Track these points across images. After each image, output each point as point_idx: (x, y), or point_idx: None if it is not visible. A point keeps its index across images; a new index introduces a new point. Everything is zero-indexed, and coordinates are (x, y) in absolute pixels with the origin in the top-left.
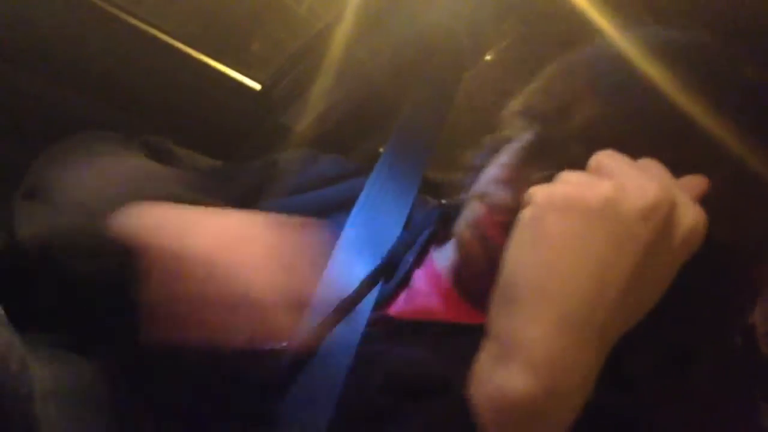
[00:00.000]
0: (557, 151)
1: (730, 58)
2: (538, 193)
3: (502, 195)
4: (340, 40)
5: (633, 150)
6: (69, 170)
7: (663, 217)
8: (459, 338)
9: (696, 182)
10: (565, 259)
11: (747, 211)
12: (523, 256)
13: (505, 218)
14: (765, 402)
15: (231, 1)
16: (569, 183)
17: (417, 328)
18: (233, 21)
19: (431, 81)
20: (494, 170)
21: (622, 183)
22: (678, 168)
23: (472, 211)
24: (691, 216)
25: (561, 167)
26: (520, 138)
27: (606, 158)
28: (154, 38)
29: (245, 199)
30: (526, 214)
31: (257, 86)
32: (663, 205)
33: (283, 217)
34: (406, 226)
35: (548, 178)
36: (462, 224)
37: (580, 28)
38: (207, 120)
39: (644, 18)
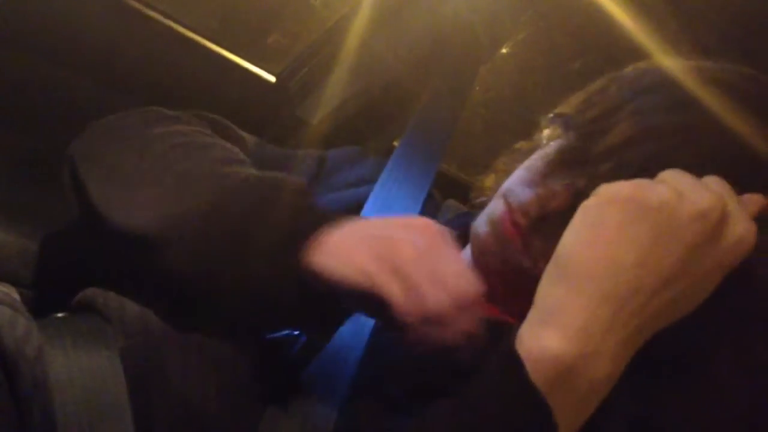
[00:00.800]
0: (587, 163)
1: None
2: (606, 188)
3: (524, 196)
4: (355, 32)
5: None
6: (151, 151)
7: (713, 223)
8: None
9: (755, 199)
10: (616, 245)
11: None
12: (579, 238)
13: (523, 220)
14: None
15: None
16: (634, 183)
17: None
18: (250, 14)
19: (447, 74)
20: (522, 172)
21: (681, 190)
22: None
23: (493, 209)
24: (741, 228)
25: (587, 180)
26: (553, 144)
27: (672, 173)
28: (171, 30)
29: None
30: (589, 203)
31: (272, 78)
32: (714, 212)
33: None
34: None
35: (572, 188)
36: (482, 220)
37: (597, 22)
38: (222, 112)
39: (662, 11)
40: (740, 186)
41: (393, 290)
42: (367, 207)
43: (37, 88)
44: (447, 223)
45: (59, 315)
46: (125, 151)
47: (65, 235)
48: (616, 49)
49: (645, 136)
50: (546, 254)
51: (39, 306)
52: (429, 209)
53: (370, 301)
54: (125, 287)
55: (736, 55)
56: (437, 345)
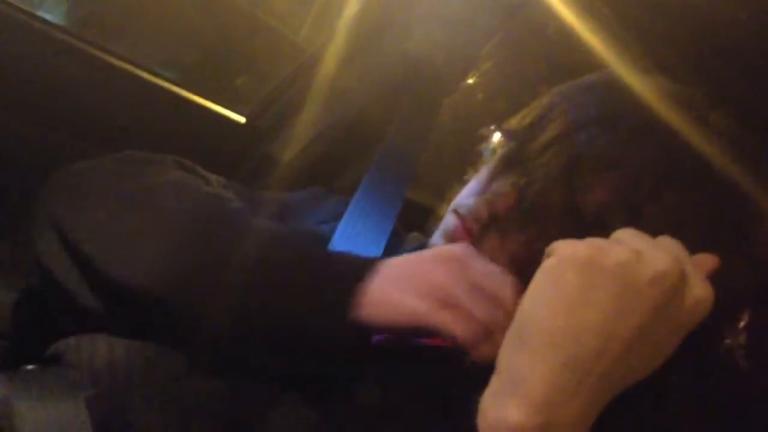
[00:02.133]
0: (526, 162)
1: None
2: (562, 247)
3: (473, 203)
4: (323, 70)
5: (594, 162)
6: (144, 202)
7: (671, 285)
8: (432, 360)
9: (707, 259)
10: (577, 310)
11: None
12: (539, 303)
13: (475, 226)
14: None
15: (227, 28)
16: (592, 244)
17: (392, 352)
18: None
19: (411, 108)
20: (469, 186)
21: (638, 251)
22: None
23: (446, 223)
24: (699, 289)
25: (527, 177)
26: (496, 154)
27: (627, 233)
28: (137, 77)
29: None
30: (548, 264)
31: (242, 119)
32: (673, 274)
33: None
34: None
35: (516, 186)
36: (436, 236)
37: (562, 48)
38: (194, 155)
39: (625, 36)
40: (667, 170)
41: (448, 322)
42: (335, 238)
43: (5, 140)
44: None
45: (29, 367)
46: (113, 204)
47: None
48: (583, 72)
49: (573, 129)
50: (500, 258)
51: (16, 357)
52: (393, 243)
53: (427, 334)
54: (96, 332)
55: (702, 80)
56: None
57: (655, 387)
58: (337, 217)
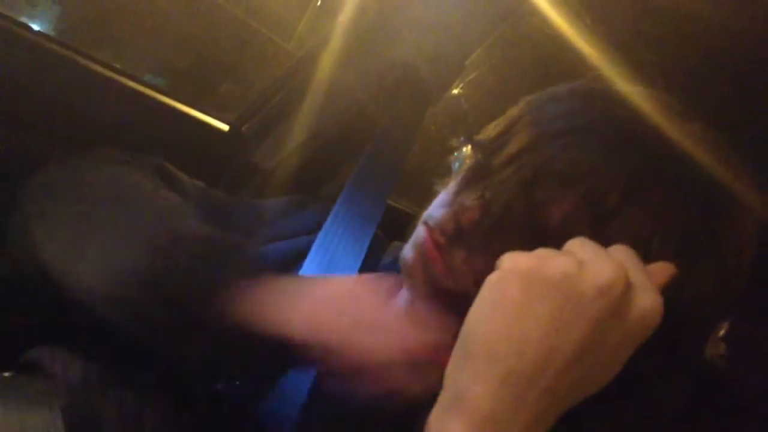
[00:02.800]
0: (491, 175)
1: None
2: (506, 259)
3: (439, 218)
4: (307, 79)
5: (558, 176)
6: (94, 202)
7: (616, 297)
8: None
9: (662, 268)
10: (518, 323)
11: (703, 282)
12: (481, 316)
13: (442, 238)
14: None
15: (219, 36)
16: (536, 255)
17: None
18: (202, 65)
19: (395, 117)
20: (439, 196)
21: (582, 261)
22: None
23: (416, 233)
24: (647, 300)
25: (492, 190)
26: (464, 165)
27: (576, 242)
28: (123, 86)
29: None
30: (492, 278)
31: (225, 127)
32: (617, 285)
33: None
34: (374, 268)
35: (481, 200)
36: (408, 246)
37: (544, 58)
38: (178, 162)
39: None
40: (634, 183)
41: (324, 344)
42: (313, 252)
43: None
44: (391, 263)
45: (5, 374)
46: (69, 204)
47: (14, 293)
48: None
49: (537, 142)
50: (465, 272)
51: None
52: (375, 250)
53: (305, 353)
54: (71, 341)
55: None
56: (371, 392)
57: (613, 399)
58: (313, 229)
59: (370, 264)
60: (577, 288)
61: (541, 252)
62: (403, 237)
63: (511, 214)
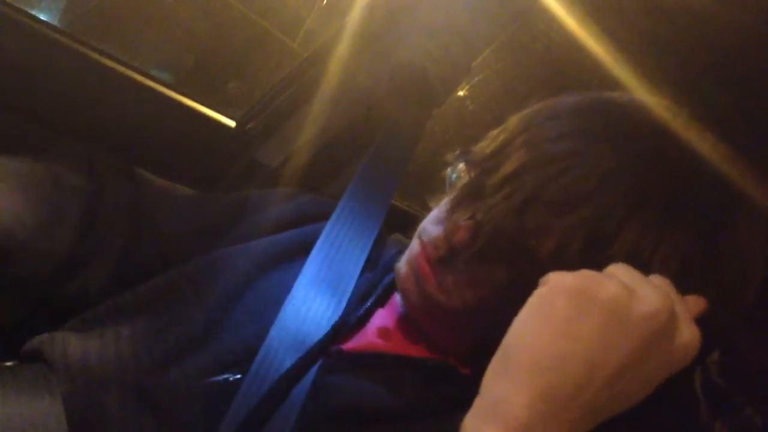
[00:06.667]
0: (484, 196)
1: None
2: (555, 277)
3: (433, 232)
4: (314, 78)
5: (551, 204)
6: None
7: (662, 324)
8: (403, 370)
9: (696, 302)
10: (564, 340)
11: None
12: (526, 329)
13: (434, 254)
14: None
15: (226, 32)
16: (582, 275)
17: (365, 360)
18: (210, 61)
19: (400, 117)
20: (434, 211)
21: (631, 287)
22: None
23: (411, 247)
24: (688, 332)
25: (484, 212)
26: (460, 180)
27: (620, 268)
28: (129, 78)
29: (212, 230)
30: (538, 293)
31: (232, 124)
32: (663, 313)
33: None
34: (373, 266)
35: (472, 221)
36: (403, 260)
37: (550, 62)
38: (183, 158)
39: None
40: (627, 207)
41: None
42: (318, 246)
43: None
44: (391, 258)
45: (7, 363)
46: None
47: None
48: (571, 87)
49: (533, 164)
50: (457, 289)
51: None
52: (377, 246)
53: None
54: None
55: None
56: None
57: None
58: (303, 219)
59: (373, 259)
60: (626, 311)
61: (587, 273)
62: (405, 234)
63: (501, 239)
